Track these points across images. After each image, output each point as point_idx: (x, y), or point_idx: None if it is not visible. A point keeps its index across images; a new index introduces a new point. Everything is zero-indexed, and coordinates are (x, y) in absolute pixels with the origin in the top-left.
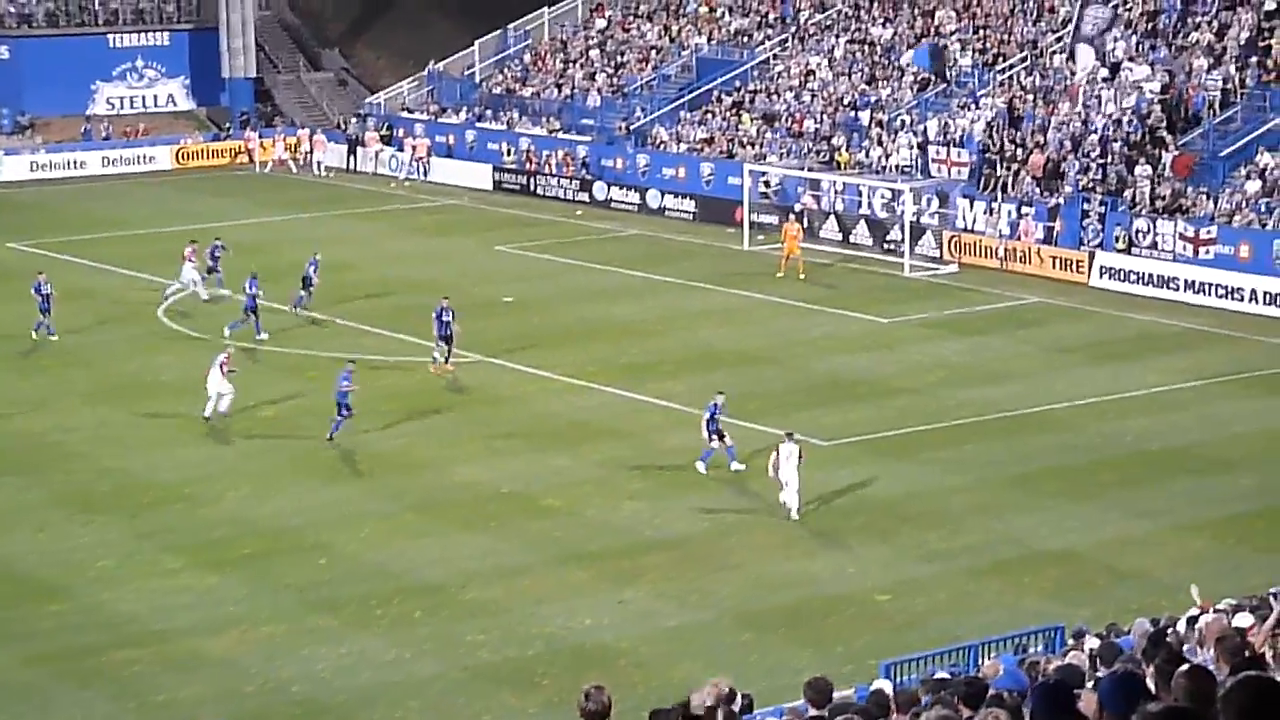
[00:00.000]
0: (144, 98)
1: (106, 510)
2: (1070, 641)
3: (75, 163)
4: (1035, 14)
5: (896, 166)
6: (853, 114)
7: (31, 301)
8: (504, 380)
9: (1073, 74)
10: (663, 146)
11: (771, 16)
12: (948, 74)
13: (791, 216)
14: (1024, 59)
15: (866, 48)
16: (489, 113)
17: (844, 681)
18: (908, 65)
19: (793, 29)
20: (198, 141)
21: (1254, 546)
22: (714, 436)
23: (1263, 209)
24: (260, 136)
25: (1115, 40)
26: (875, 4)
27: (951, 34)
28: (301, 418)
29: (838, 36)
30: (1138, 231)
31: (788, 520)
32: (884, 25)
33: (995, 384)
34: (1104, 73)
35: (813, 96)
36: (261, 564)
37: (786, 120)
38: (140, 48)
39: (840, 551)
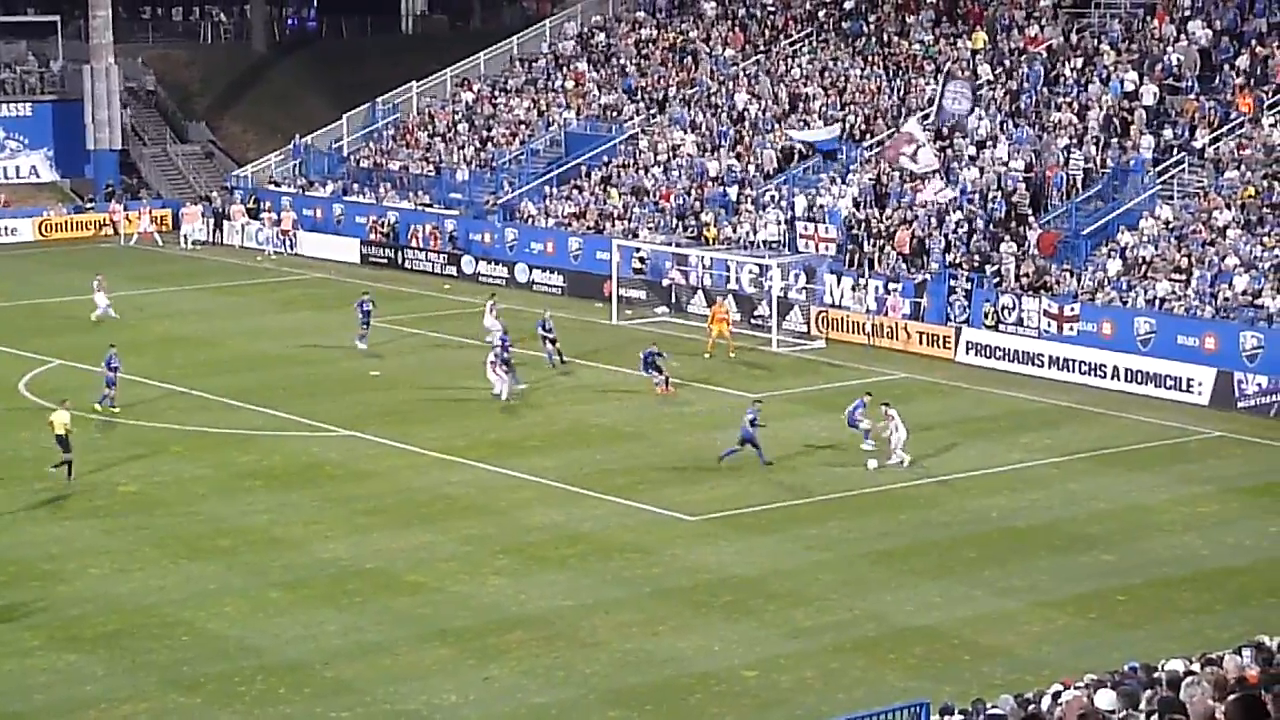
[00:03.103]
0: (5, 169)
1: None
2: (936, 718)
3: None
4: (902, 90)
5: (764, 242)
6: (721, 189)
7: None
8: (370, 455)
9: (939, 152)
10: (531, 221)
11: (640, 93)
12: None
13: (720, 299)
14: (891, 135)
15: (735, 123)
16: (356, 186)
17: None
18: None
19: (660, 103)
20: (61, 214)
21: (1115, 622)
22: (857, 425)
23: (1124, 287)
24: (125, 209)
25: (980, 119)
26: (743, 78)
27: (819, 109)
28: (164, 492)
29: (704, 111)
30: (1003, 308)
31: (901, 468)
32: (752, 100)
33: (861, 460)
34: (970, 150)
35: (680, 171)
36: (122, 642)
37: (654, 195)
38: (1, 119)
39: (705, 628)
